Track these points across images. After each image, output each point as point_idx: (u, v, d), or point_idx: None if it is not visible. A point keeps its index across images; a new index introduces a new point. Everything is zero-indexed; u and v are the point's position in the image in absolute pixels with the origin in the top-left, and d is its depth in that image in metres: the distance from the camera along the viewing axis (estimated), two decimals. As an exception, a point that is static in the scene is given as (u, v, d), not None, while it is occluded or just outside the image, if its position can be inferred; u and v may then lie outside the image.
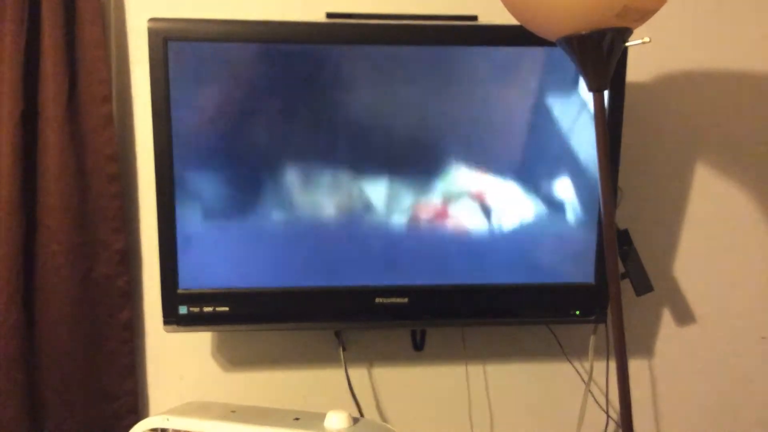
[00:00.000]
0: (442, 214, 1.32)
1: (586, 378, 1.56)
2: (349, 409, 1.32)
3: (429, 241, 1.33)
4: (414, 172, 1.31)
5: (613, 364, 1.51)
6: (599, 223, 1.34)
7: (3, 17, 1.31)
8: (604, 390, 1.55)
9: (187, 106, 1.26)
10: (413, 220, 1.33)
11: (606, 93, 1.03)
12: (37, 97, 1.33)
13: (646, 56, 1.43)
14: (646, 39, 1.15)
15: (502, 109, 1.30)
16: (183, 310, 1.32)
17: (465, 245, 1.34)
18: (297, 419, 1.26)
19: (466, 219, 1.33)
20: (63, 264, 1.35)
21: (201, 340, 1.49)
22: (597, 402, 1.56)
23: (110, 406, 1.43)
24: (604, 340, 1.51)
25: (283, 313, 1.36)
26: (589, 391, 1.56)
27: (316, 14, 1.38)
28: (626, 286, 1.44)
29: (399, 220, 1.32)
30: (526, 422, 1.58)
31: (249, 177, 1.30)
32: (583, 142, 1.32)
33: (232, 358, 1.51)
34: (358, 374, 1.52)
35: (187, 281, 1.31)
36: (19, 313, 1.34)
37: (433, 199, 1.32)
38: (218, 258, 1.31)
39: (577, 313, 1.39)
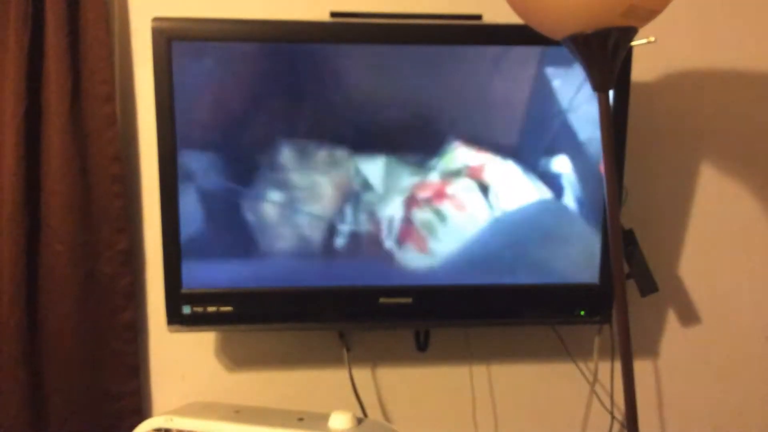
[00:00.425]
0: (443, 193, 1.32)
1: (590, 379, 1.55)
2: (353, 409, 1.32)
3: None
4: (414, 151, 1.30)
5: (618, 365, 1.50)
6: (604, 222, 1.34)
7: (7, 17, 1.31)
8: (609, 391, 1.55)
9: (191, 105, 1.26)
10: (413, 199, 1.32)
11: (611, 92, 1.02)
12: (41, 96, 1.33)
13: (652, 56, 1.43)
14: (652, 38, 1.15)
15: (506, 108, 1.30)
16: (186, 309, 1.32)
17: (469, 245, 1.34)
18: (301, 419, 1.26)
19: (470, 219, 1.33)
20: (66, 264, 1.35)
21: (204, 340, 1.49)
22: (602, 403, 1.55)
23: (113, 406, 1.43)
24: (609, 341, 1.51)
25: (287, 313, 1.36)
26: (594, 391, 1.56)
27: (320, 13, 1.38)
28: (631, 286, 1.44)
29: (399, 199, 1.32)
30: (531, 423, 1.58)
31: (253, 176, 1.29)
32: (589, 141, 1.32)
33: (236, 358, 1.51)
34: (362, 374, 1.52)
35: (190, 281, 1.31)
36: (22, 312, 1.34)
37: (434, 178, 1.31)
38: (222, 258, 1.31)
39: (582, 313, 1.39)
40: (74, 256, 1.36)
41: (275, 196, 1.30)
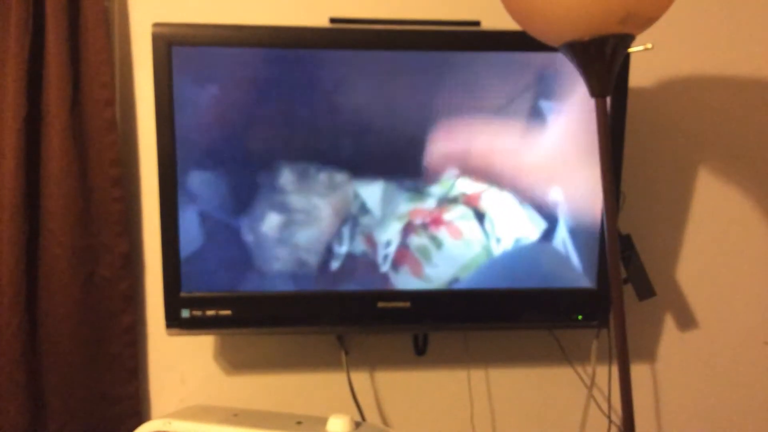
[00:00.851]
0: (439, 220, 1.32)
1: (588, 383, 1.56)
2: (351, 413, 1.32)
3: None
4: (412, 177, 1.31)
5: (615, 369, 1.50)
6: (602, 227, 1.34)
7: (7, 21, 1.31)
8: (607, 395, 1.55)
9: (191, 110, 1.27)
10: (409, 225, 1.33)
11: (608, 98, 1.03)
12: (41, 100, 1.34)
13: (649, 62, 1.44)
14: (649, 45, 1.16)
15: (501, 112, 1.30)
16: (185, 313, 1.32)
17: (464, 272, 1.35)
18: (299, 423, 1.26)
19: (468, 223, 1.33)
20: (66, 267, 1.36)
21: (203, 343, 1.49)
22: (599, 407, 1.56)
23: (112, 409, 1.43)
24: (607, 345, 1.51)
25: (286, 317, 1.36)
26: (592, 396, 1.56)
27: (319, 19, 1.38)
28: (629, 290, 1.44)
29: (396, 224, 1.32)
30: (528, 427, 1.58)
31: (252, 180, 1.30)
32: (586, 146, 1.32)
33: (235, 362, 1.51)
34: (360, 378, 1.53)
35: (189, 284, 1.31)
36: (21, 316, 1.34)
37: (431, 204, 1.32)
38: (221, 261, 1.32)
39: (580, 318, 1.39)
40: (74, 259, 1.36)
41: (275, 199, 1.30)
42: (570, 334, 1.53)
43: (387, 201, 1.29)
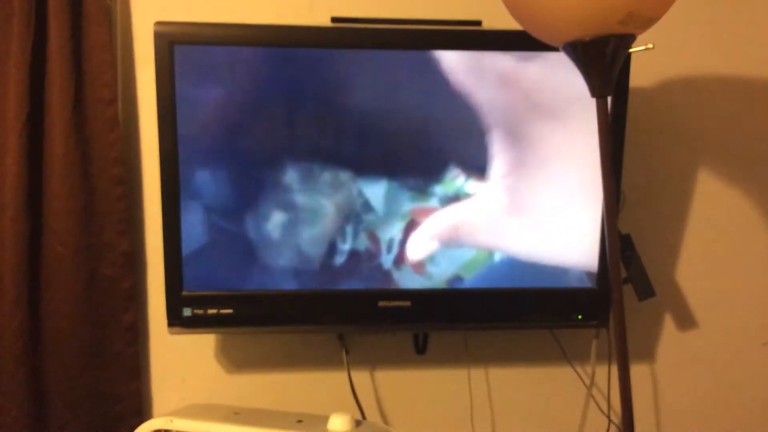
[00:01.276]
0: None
1: (588, 382, 1.56)
2: (352, 411, 1.32)
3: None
4: (414, 175, 1.31)
5: (615, 369, 1.51)
6: (602, 227, 1.35)
7: (10, 20, 1.32)
8: (606, 394, 1.55)
9: (193, 109, 1.27)
10: (412, 223, 1.33)
11: (609, 98, 1.03)
12: (44, 99, 1.34)
13: (650, 62, 1.44)
14: (650, 45, 1.16)
15: (503, 113, 1.30)
16: (187, 312, 1.32)
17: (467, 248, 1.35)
18: (300, 422, 1.27)
19: (468, 222, 1.34)
20: (68, 266, 1.36)
21: (205, 342, 1.50)
22: (599, 406, 1.56)
23: (114, 407, 1.44)
24: (606, 345, 1.52)
25: (287, 316, 1.36)
26: (591, 395, 1.57)
27: (321, 19, 1.39)
28: (628, 290, 1.44)
29: (399, 223, 1.33)
30: (528, 426, 1.58)
31: (254, 179, 1.30)
32: (587, 146, 1.33)
33: (236, 361, 1.51)
34: (361, 377, 1.53)
35: (191, 283, 1.32)
36: (24, 314, 1.35)
37: (434, 203, 1.33)
38: (223, 260, 1.32)
39: (580, 317, 1.39)
40: (76, 258, 1.36)
41: (277, 198, 1.30)
42: (570, 334, 1.53)
43: (390, 199, 1.29)
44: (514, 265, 1.36)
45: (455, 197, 1.32)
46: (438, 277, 1.35)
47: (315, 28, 1.30)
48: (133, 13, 1.42)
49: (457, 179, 1.30)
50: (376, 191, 1.30)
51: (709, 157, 1.55)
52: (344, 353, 1.49)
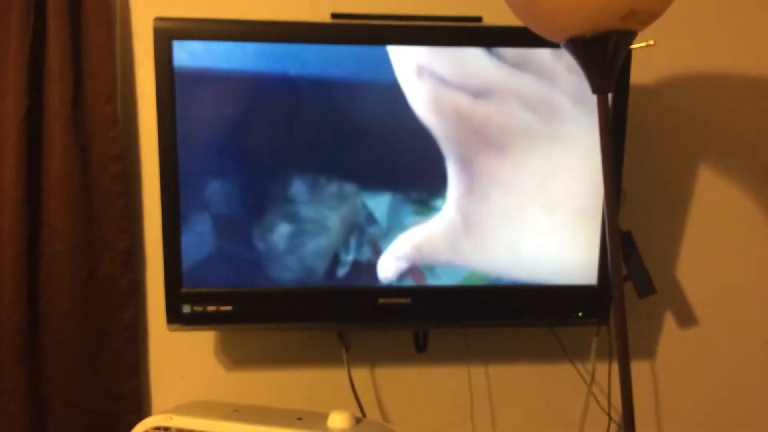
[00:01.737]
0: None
1: (588, 380, 1.56)
2: (352, 409, 1.32)
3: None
4: (417, 189, 1.32)
5: (615, 366, 1.50)
6: (602, 224, 1.34)
7: (8, 16, 1.31)
8: (606, 392, 1.55)
9: (192, 106, 1.27)
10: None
11: (610, 95, 1.03)
12: (43, 96, 1.34)
13: (651, 59, 1.43)
14: (651, 42, 1.15)
15: (503, 106, 1.30)
16: (186, 309, 1.32)
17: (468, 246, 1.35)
18: (300, 419, 1.27)
19: (468, 219, 1.34)
20: (67, 263, 1.36)
21: (204, 339, 1.50)
22: (599, 404, 1.56)
23: (113, 404, 1.44)
24: (607, 342, 1.51)
25: (286, 313, 1.36)
26: (592, 393, 1.57)
27: (321, 15, 1.38)
28: (629, 288, 1.44)
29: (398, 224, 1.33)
30: (528, 424, 1.58)
31: (253, 176, 1.30)
32: (587, 143, 1.32)
33: (235, 358, 1.51)
34: (361, 375, 1.53)
35: (190, 281, 1.32)
36: (23, 311, 1.35)
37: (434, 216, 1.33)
38: (222, 257, 1.32)
39: (580, 315, 1.39)
40: (75, 255, 1.36)
41: (277, 194, 1.30)
42: (570, 331, 1.53)
43: (393, 213, 1.30)
44: (514, 262, 1.35)
45: (461, 193, 1.32)
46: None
47: (315, 24, 1.30)
48: (133, 8, 1.42)
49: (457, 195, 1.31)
50: (379, 204, 1.30)
51: (710, 154, 1.54)
52: (344, 350, 1.49)
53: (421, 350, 1.53)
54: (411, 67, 1.22)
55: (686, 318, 1.58)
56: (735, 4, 1.51)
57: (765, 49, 1.52)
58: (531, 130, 1.24)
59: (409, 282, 1.35)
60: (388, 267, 1.32)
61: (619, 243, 1.05)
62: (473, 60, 1.22)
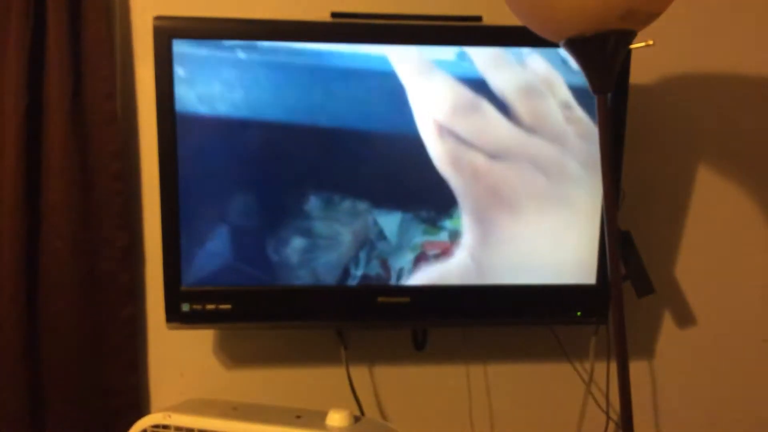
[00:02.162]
0: (449, 252, 1.35)
1: (586, 379, 1.56)
2: (350, 407, 1.32)
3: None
4: (426, 209, 1.33)
5: (613, 366, 1.51)
6: (601, 224, 1.35)
7: (8, 13, 1.31)
8: (605, 391, 1.55)
9: (192, 103, 1.27)
10: (422, 255, 1.35)
11: (609, 95, 1.03)
12: (42, 93, 1.34)
13: (650, 59, 1.43)
14: (650, 42, 1.15)
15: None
16: (186, 307, 1.32)
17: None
18: (298, 417, 1.27)
19: (482, 266, 1.36)
20: (66, 260, 1.36)
21: (203, 337, 1.50)
22: (597, 403, 1.56)
23: (112, 402, 1.44)
24: (605, 342, 1.52)
25: (285, 312, 1.36)
26: (590, 392, 1.57)
27: (321, 14, 1.39)
28: (628, 287, 1.44)
29: (410, 254, 1.34)
30: (527, 422, 1.58)
31: (253, 174, 1.30)
32: (587, 143, 1.33)
33: (234, 356, 1.51)
34: (360, 373, 1.53)
35: (190, 279, 1.32)
36: (21, 309, 1.35)
37: (444, 237, 1.34)
38: (221, 256, 1.32)
39: (579, 314, 1.39)
40: (74, 252, 1.36)
41: (276, 192, 1.30)
42: (568, 330, 1.53)
43: (403, 231, 1.32)
44: (513, 261, 1.36)
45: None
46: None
47: (315, 23, 1.30)
48: (132, 6, 1.42)
49: (462, 215, 1.33)
50: (390, 222, 1.32)
51: (709, 154, 1.54)
52: (343, 349, 1.49)
53: (420, 349, 1.53)
54: (432, 124, 1.27)
55: (685, 317, 1.58)
56: (734, 4, 1.51)
57: (764, 49, 1.52)
58: (542, 191, 1.30)
59: (409, 281, 1.35)
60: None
61: (618, 243, 1.06)
62: (491, 122, 1.28)
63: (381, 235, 1.32)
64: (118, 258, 1.40)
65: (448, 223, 1.33)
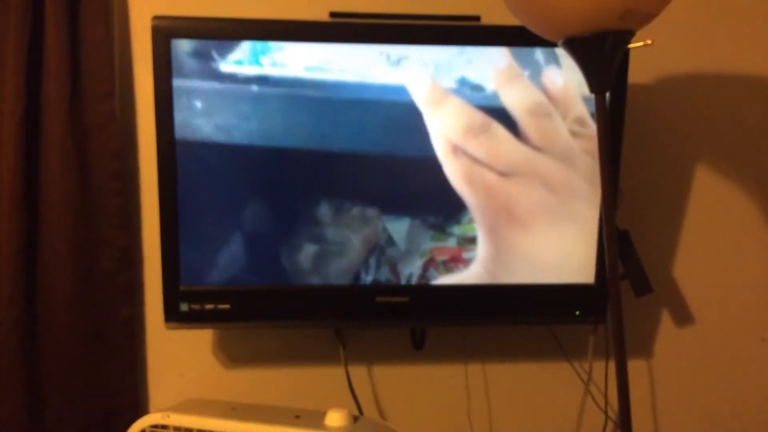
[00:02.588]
0: (459, 258, 1.36)
1: (585, 378, 1.57)
2: (349, 407, 1.33)
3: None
4: (434, 215, 1.34)
5: (612, 365, 1.51)
6: (600, 224, 1.35)
7: (7, 13, 1.31)
8: (603, 390, 1.56)
9: (190, 103, 1.27)
10: (430, 261, 1.36)
11: (607, 94, 1.03)
12: (41, 93, 1.34)
13: (648, 58, 1.44)
14: (648, 41, 1.16)
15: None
16: (184, 307, 1.32)
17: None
18: (297, 417, 1.27)
19: (495, 277, 1.37)
20: (65, 260, 1.36)
21: (202, 337, 1.50)
22: (596, 402, 1.56)
23: (111, 402, 1.44)
24: (604, 341, 1.52)
25: (284, 311, 1.36)
26: (588, 391, 1.57)
27: (319, 13, 1.39)
28: (626, 286, 1.45)
29: (418, 260, 1.35)
30: (525, 422, 1.59)
31: (251, 174, 1.30)
32: (594, 160, 1.33)
33: (233, 356, 1.51)
34: (358, 372, 1.53)
35: (188, 278, 1.32)
36: (20, 309, 1.35)
37: (452, 243, 1.35)
38: (220, 255, 1.32)
39: (577, 313, 1.40)
40: (73, 252, 1.36)
41: (275, 193, 1.31)
42: (567, 330, 1.54)
43: (412, 237, 1.34)
44: (512, 262, 1.36)
45: (472, 239, 1.34)
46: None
47: (313, 22, 1.30)
48: (131, 6, 1.42)
49: (473, 222, 1.34)
50: (399, 228, 1.33)
51: (707, 154, 1.55)
52: (341, 349, 1.50)
53: (418, 348, 1.54)
54: (448, 145, 1.31)
55: (683, 316, 1.58)
56: (732, 4, 1.51)
57: (762, 49, 1.53)
58: (551, 208, 1.34)
59: (407, 281, 1.35)
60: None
61: (616, 242, 1.06)
62: (502, 142, 1.31)
63: (390, 241, 1.33)
64: (116, 258, 1.40)
65: (456, 229, 1.34)
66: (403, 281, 1.35)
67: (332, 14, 1.38)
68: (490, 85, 1.30)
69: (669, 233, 1.56)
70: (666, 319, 1.59)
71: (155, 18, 1.25)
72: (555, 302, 1.39)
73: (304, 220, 1.31)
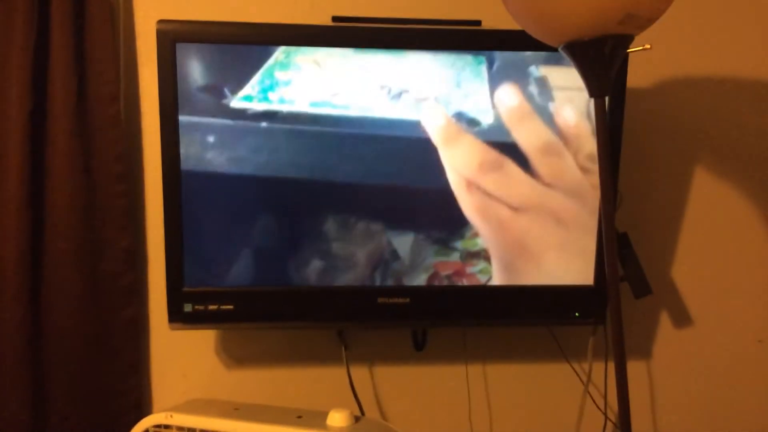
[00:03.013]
0: (462, 272, 1.37)
1: (584, 379, 1.57)
2: (351, 407, 1.33)
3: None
4: (438, 230, 1.35)
5: (611, 366, 1.52)
6: (599, 226, 1.36)
7: (13, 16, 1.32)
8: (603, 391, 1.56)
9: (194, 106, 1.28)
10: (434, 275, 1.37)
11: (607, 98, 1.04)
12: (46, 96, 1.34)
13: (647, 62, 1.45)
14: (647, 46, 1.17)
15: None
16: (188, 308, 1.33)
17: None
18: (299, 417, 1.27)
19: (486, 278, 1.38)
20: (69, 261, 1.37)
21: (205, 337, 1.50)
22: (595, 403, 1.57)
23: (114, 402, 1.44)
24: (603, 342, 1.53)
25: (287, 312, 1.37)
26: (588, 392, 1.58)
27: (322, 18, 1.40)
28: (625, 288, 1.45)
29: (423, 275, 1.37)
30: (525, 422, 1.59)
31: (255, 177, 1.31)
32: (595, 179, 1.34)
33: (236, 356, 1.52)
34: (360, 373, 1.54)
35: (192, 279, 1.33)
36: (25, 310, 1.35)
37: (456, 257, 1.36)
38: (223, 256, 1.33)
39: (577, 315, 1.40)
40: (77, 254, 1.37)
41: (277, 194, 1.31)
42: (567, 331, 1.54)
43: (416, 252, 1.35)
44: (511, 263, 1.37)
45: (476, 254, 1.36)
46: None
47: (315, 26, 1.31)
48: (136, 10, 1.43)
49: (477, 237, 1.35)
50: (403, 242, 1.35)
51: (706, 156, 1.56)
52: (343, 349, 1.50)
53: (419, 349, 1.54)
54: (462, 180, 1.34)
55: (681, 318, 1.59)
56: (731, 8, 1.52)
57: (761, 53, 1.54)
58: (563, 241, 1.37)
59: (408, 282, 1.36)
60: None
61: (615, 244, 1.06)
62: (514, 179, 1.34)
63: (395, 255, 1.35)
64: (121, 259, 1.41)
65: (459, 244, 1.35)
66: (408, 295, 1.38)
67: (335, 18, 1.39)
68: (487, 119, 1.32)
69: (668, 235, 1.57)
70: (665, 321, 1.59)
71: (160, 22, 1.26)
72: (555, 303, 1.40)
73: (311, 236, 1.33)
